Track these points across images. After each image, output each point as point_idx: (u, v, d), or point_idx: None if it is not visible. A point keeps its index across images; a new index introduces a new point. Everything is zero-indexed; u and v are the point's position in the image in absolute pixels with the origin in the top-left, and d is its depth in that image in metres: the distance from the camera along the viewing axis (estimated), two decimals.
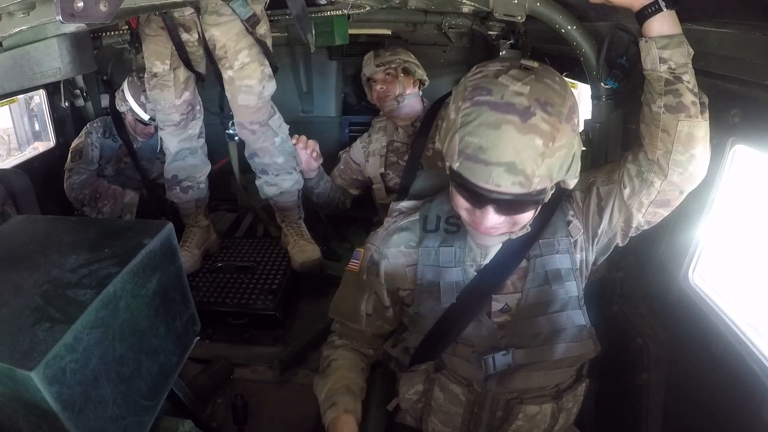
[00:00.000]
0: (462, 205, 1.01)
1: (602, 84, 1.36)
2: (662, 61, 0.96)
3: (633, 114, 1.33)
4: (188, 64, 1.92)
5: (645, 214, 1.08)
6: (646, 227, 1.12)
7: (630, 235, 1.14)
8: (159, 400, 1.03)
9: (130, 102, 2.40)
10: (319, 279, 2.31)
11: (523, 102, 0.85)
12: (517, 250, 1.12)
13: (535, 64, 0.91)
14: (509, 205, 0.94)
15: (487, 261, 1.14)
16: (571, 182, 0.99)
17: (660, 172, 1.02)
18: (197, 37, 1.87)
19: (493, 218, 0.96)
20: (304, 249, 2.13)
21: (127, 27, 2.10)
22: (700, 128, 0.97)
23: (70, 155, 2.48)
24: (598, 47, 1.34)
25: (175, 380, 1.16)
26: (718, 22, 0.98)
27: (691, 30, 1.00)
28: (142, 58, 2.59)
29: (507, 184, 0.88)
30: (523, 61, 0.91)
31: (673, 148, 0.98)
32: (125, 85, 2.42)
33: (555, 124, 0.86)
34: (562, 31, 1.37)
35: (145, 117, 2.41)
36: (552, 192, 0.99)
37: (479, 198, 0.93)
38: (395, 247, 1.19)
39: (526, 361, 1.10)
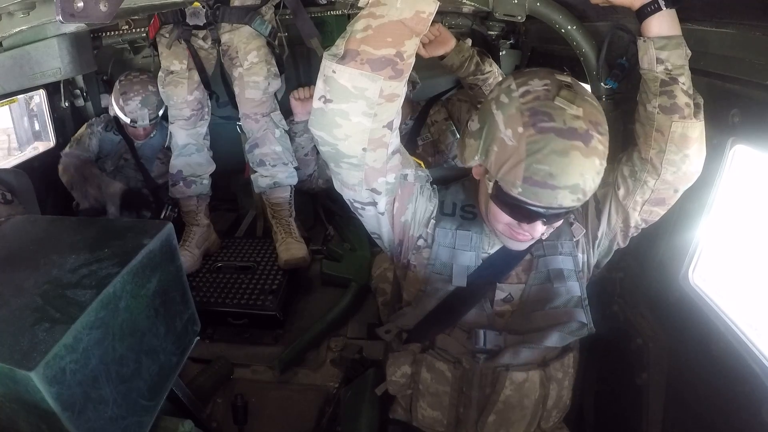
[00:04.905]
0: (504, 220, 1.02)
1: (602, 84, 1.36)
2: (659, 61, 0.96)
3: (632, 114, 1.33)
4: (201, 68, 2.12)
5: (641, 213, 1.10)
6: (644, 226, 1.14)
7: (630, 235, 1.16)
8: (159, 400, 1.03)
9: (114, 106, 2.44)
10: (320, 279, 2.31)
11: (582, 126, 0.89)
12: None
13: (568, 79, 0.95)
14: (558, 217, 0.99)
15: (494, 250, 1.15)
16: None
17: (653, 171, 1.03)
18: (210, 43, 2.09)
19: (540, 229, 1.01)
20: (290, 247, 2.18)
21: (127, 27, 2.15)
22: (694, 129, 0.98)
23: (69, 143, 2.52)
24: (598, 47, 1.34)
25: (175, 380, 1.16)
26: (718, 22, 0.98)
27: (691, 30, 1.00)
28: (143, 58, 2.61)
29: (568, 203, 0.93)
30: (557, 77, 0.94)
31: (666, 147, 0.99)
32: (113, 90, 2.45)
33: (605, 142, 0.92)
34: (562, 31, 1.37)
35: (127, 120, 2.42)
36: None
37: (532, 215, 0.96)
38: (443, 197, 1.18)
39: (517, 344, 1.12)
